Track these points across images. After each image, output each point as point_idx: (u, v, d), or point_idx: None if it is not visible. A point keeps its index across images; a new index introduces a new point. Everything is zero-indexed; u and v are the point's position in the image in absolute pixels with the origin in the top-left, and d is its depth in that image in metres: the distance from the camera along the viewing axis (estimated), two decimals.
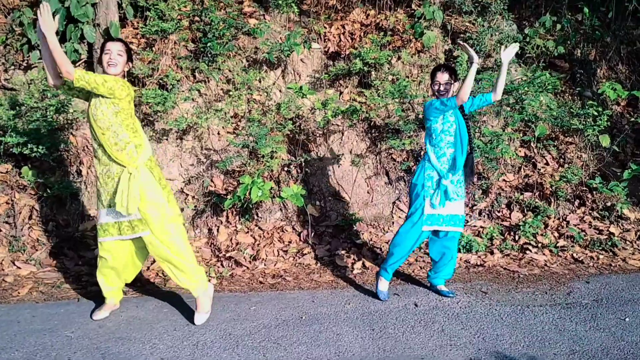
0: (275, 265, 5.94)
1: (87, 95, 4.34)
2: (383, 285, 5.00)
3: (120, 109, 4.21)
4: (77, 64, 6.71)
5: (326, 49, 7.61)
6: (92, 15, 6.36)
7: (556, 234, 6.53)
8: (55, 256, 5.92)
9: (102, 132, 4.20)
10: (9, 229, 6.09)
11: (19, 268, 5.66)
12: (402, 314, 4.64)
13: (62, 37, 6.40)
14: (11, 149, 6.02)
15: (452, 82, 4.81)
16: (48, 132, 6.14)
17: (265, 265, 5.94)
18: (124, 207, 4.21)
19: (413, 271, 5.79)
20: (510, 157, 7.09)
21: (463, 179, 4.91)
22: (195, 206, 6.49)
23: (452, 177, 4.78)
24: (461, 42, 4.75)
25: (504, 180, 7.17)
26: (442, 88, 4.79)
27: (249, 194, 5.81)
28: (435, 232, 5.01)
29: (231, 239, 6.28)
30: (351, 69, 7.11)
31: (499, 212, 6.92)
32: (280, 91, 7.25)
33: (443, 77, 4.79)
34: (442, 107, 4.67)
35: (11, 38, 6.50)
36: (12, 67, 6.58)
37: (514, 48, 4.78)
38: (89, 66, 6.70)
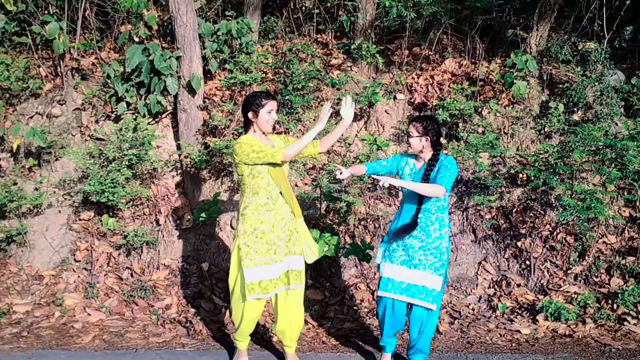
0: (343, 324, 5.65)
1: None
2: (385, 358, 4.65)
3: None
4: (162, 116, 6.90)
5: (412, 100, 7.37)
6: (176, 67, 6.51)
7: None
8: (125, 304, 5.96)
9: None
10: (86, 275, 6.23)
11: (89, 315, 5.73)
12: None
13: (147, 89, 6.60)
14: (90, 197, 6.20)
15: (416, 135, 4.33)
16: (126, 181, 6.28)
17: (332, 324, 5.66)
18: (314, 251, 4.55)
19: (491, 339, 5.31)
20: (607, 218, 6.45)
21: (436, 245, 4.31)
22: None
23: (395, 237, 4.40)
24: None
25: (604, 242, 6.52)
26: (408, 139, 4.42)
27: None
28: None
29: None
30: None
31: (596, 277, 6.26)
32: (362, 142, 7.07)
33: (410, 127, 4.39)
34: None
35: (99, 90, 6.78)
36: (102, 118, 6.85)
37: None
38: (174, 117, 6.87)
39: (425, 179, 4.27)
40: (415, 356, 4.47)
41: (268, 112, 4.27)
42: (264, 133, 4.38)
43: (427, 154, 4.38)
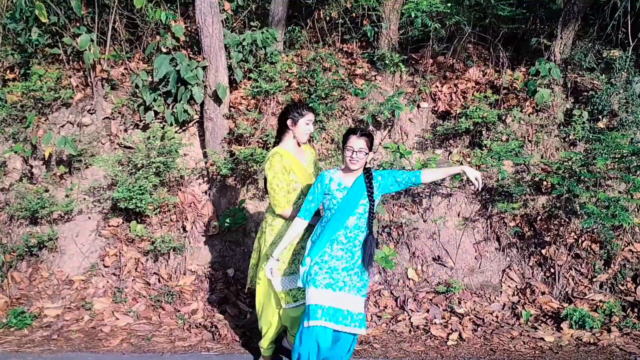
0: (366, 331, 5.69)
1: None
2: None
3: None
4: (189, 124, 7.03)
5: (436, 108, 7.40)
6: (202, 77, 6.63)
7: None
8: (153, 309, 6.07)
9: None
10: (115, 280, 6.36)
11: (117, 319, 5.86)
12: None
13: (174, 98, 6.73)
14: (119, 204, 6.35)
15: (367, 152, 4.05)
16: (154, 188, 6.41)
17: None
18: None
19: (514, 346, 5.30)
20: (633, 226, 6.40)
21: (359, 264, 4.13)
22: None
23: (316, 258, 4.10)
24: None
25: (630, 250, 6.47)
26: (354, 155, 4.01)
27: None
28: None
29: None
30: (456, 127, 6.85)
31: (622, 285, 6.22)
32: (385, 150, 7.12)
33: (358, 143, 4.02)
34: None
35: (128, 100, 6.95)
36: (131, 127, 7.01)
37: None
38: (200, 126, 6.99)
39: (370, 192, 4.07)
40: None
41: (306, 123, 4.40)
42: (298, 143, 4.49)
43: (359, 171, 4.17)
